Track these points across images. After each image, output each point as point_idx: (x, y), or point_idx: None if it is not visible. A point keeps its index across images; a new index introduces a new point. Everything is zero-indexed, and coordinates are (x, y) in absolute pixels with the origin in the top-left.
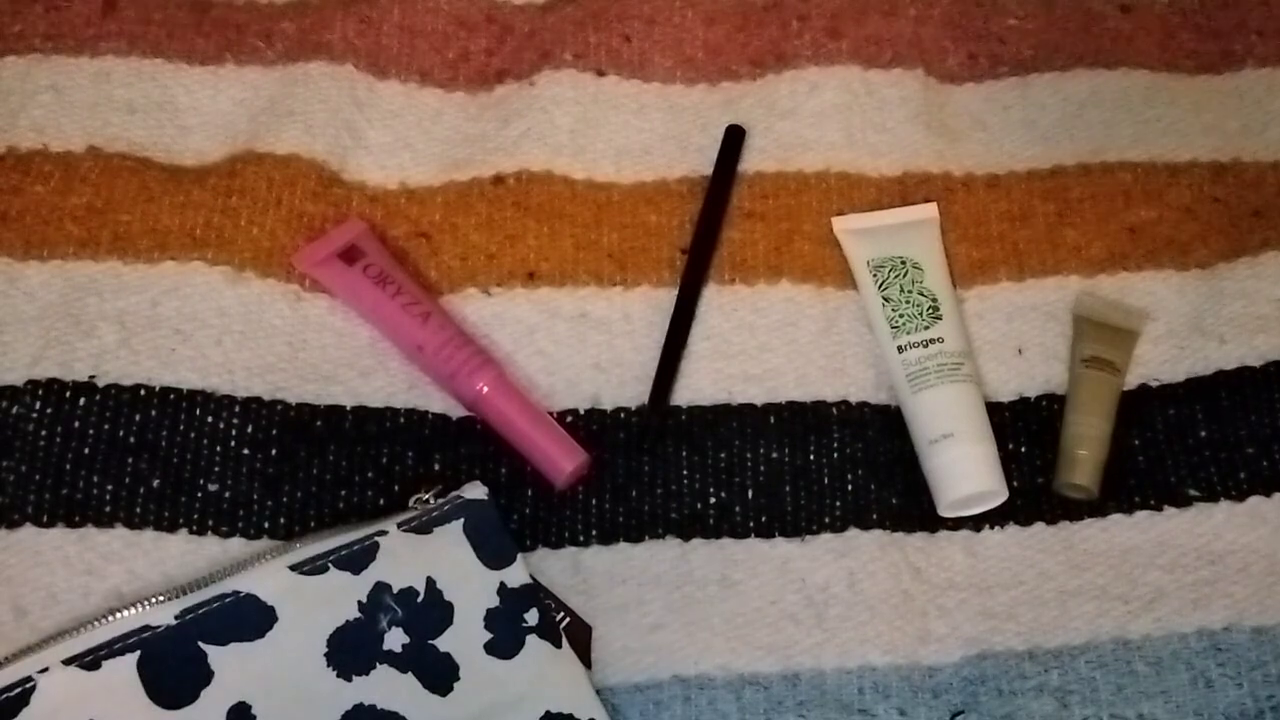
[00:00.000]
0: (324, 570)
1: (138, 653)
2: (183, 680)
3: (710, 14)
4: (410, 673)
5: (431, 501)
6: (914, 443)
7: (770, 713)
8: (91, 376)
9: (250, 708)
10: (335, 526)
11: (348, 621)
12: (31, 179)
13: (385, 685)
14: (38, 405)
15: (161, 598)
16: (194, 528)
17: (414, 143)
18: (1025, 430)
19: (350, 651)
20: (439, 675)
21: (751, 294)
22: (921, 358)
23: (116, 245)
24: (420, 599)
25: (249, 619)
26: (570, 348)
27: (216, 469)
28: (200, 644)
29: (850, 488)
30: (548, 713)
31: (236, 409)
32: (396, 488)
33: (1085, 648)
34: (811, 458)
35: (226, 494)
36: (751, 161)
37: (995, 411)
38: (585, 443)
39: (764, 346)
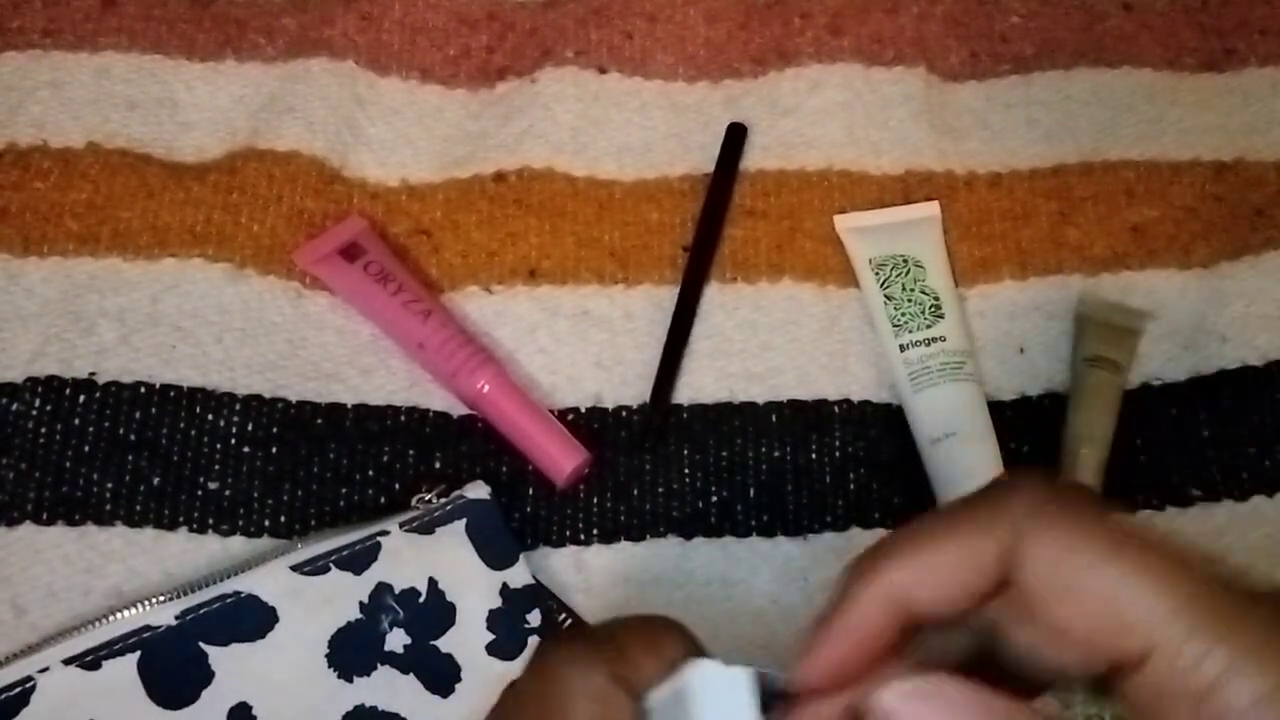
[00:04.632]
0: (325, 570)
1: (138, 653)
2: (183, 680)
3: (712, 11)
4: (412, 674)
5: (434, 501)
6: (916, 442)
7: None
8: (91, 374)
9: (251, 708)
10: (337, 526)
11: (349, 622)
12: (31, 175)
13: (386, 686)
14: (37, 402)
15: (162, 598)
16: (194, 526)
17: (415, 140)
18: (1027, 429)
19: (351, 652)
20: (440, 676)
21: (753, 292)
22: (923, 356)
23: (116, 242)
24: (422, 600)
25: (250, 619)
26: (572, 346)
27: (217, 467)
28: (201, 644)
29: (852, 486)
30: None
31: (237, 406)
32: (397, 486)
33: None
34: (813, 456)
35: (227, 492)
36: (753, 159)
37: (997, 410)
38: (586, 441)
39: (766, 345)
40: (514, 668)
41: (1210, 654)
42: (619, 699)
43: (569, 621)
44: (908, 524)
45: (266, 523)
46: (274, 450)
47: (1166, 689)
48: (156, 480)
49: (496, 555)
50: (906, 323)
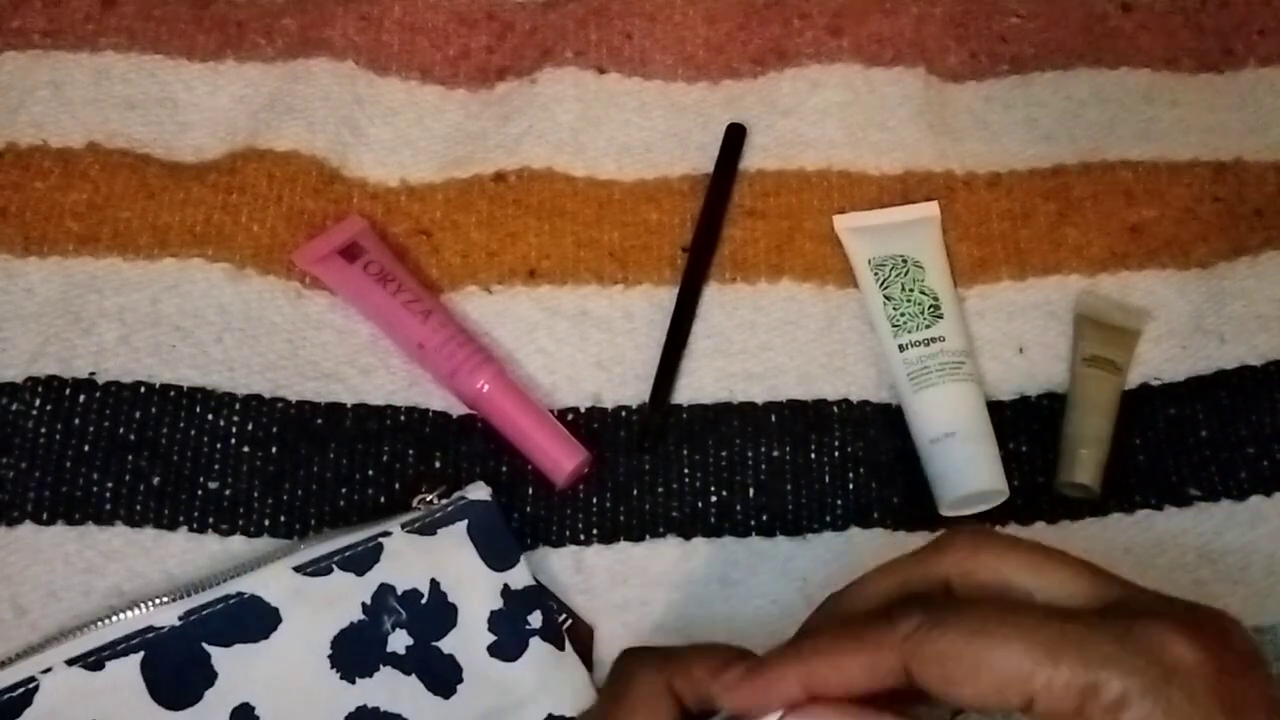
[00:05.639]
0: (328, 571)
1: (141, 653)
2: (186, 681)
3: (711, 11)
4: (414, 675)
5: (435, 502)
6: (915, 442)
7: None
8: (91, 373)
9: (253, 709)
10: (337, 525)
11: (351, 623)
12: (31, 175)
13: (388, 687)
14: (37, 402)
15: (165, 599)
16: (194, 525)
17: (415, 140)
18: (1026, 429)
19: (354, 653)
20: (442, 677)
21: (753, 292)
22: (923, 356)
23: (116, 242)
24: (424, 601)
25: (253, 620)
26: (571, 346)
27: (217, 466)
28: (204, 645)
29: (851, 486)
30: (550, 715)
31: (237, 406)
32: (397, 485)
33: None
34: (813, 456)
35: (227, 491)
36: (753, 159)
37: (996, 410)
38: (586, 441)
39: (765, 345)
40: (515, 669)
41: (1071, 681)
42: (666, 706)
43: (569, 622)
44: (817, 630)
45: (266, 523)
46: (274, 450)
47: (1056, 714)
48: (156, 480)
49: (498, 556)
50: (906, 323)
